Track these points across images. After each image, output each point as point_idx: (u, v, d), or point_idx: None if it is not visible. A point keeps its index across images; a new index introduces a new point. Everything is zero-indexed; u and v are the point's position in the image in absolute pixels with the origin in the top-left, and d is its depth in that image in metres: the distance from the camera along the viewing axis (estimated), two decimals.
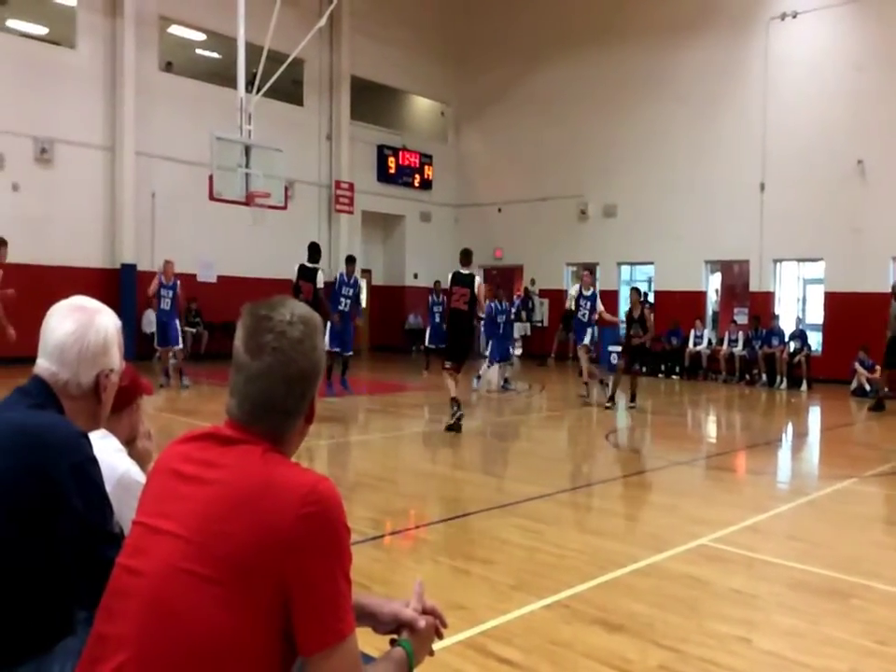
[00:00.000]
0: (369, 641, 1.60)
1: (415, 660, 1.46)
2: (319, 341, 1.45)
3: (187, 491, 1.35)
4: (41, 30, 17.01)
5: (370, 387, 13.17)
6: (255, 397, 1.39)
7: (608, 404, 11.33)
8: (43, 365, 1.78)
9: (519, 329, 20.72)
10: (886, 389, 12.45)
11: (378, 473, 7.14)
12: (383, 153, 21.12)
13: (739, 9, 17.10)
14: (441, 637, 1.58)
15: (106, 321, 1.85)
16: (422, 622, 1.51)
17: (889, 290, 12.74)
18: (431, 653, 1.54)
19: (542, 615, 3.65)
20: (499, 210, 21.63)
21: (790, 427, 11.26)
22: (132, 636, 1.29)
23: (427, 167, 22.22)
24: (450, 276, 9.33)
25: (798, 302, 17.46)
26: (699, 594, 3.99)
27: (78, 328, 1.78)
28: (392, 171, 21.30)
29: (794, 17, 16.36)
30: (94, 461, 1.69)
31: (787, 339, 15.59)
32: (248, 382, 1.39)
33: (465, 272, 9.24)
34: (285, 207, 13.28)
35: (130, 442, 2.49)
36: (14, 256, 14.14)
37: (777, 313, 16.58)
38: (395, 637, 1.51)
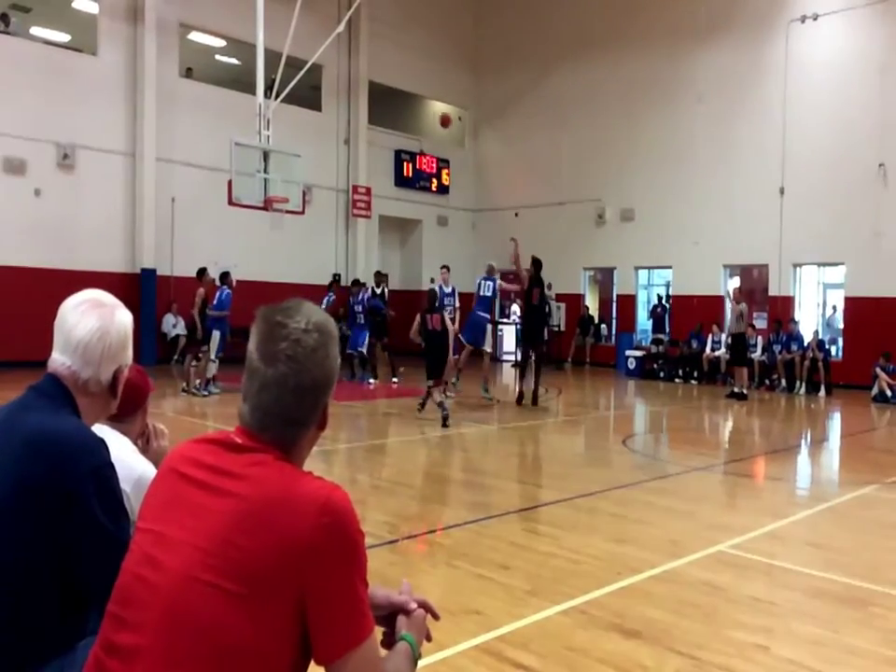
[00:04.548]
0: None
1: (417, 650, 1.49)
2: (333, 348, 1.43)
3: (201, 501, 1.34)
4: (63, 37, 17.24)
5: (386, 391, 13.20)
6: (267, 405, 1.38)
7: None
8: (62, 362, 1.75)
9: None
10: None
11: (395, 477, 7.15)
12: (400, 158, 21.18)
13: (759, 12, 17.00)
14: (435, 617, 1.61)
15: (125, 317, 1.84)
16: (413, 604, 1.54)
17: None
18: (429, 638, 1.57)
19: (558, 620, 3.64)
20: (516, 214, 21.61)
21: (809, 433, 11.15)
22: (149, 647, 1.29)
23: (444, 172, 22.25)
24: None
25: (818, 307, 17.29)
26: (717, 600, 3.96)
27: (102, 325, 1.76)
28: (409, 175, 21.36)
29: (815, 19, 16.24)
30: (112, 467, 1.70)
31: (806, 344, 15.41)
32: (261, 390, 1.38)
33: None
34: (302, 212, 13.36)
35: (139, 441, 2.53)
36: (35, 260, 14.44)
37: (796, 318, 16.44)
38: (387, 639, 1.53)
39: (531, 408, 11.50)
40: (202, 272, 12.27)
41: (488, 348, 12.57)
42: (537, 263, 12.10)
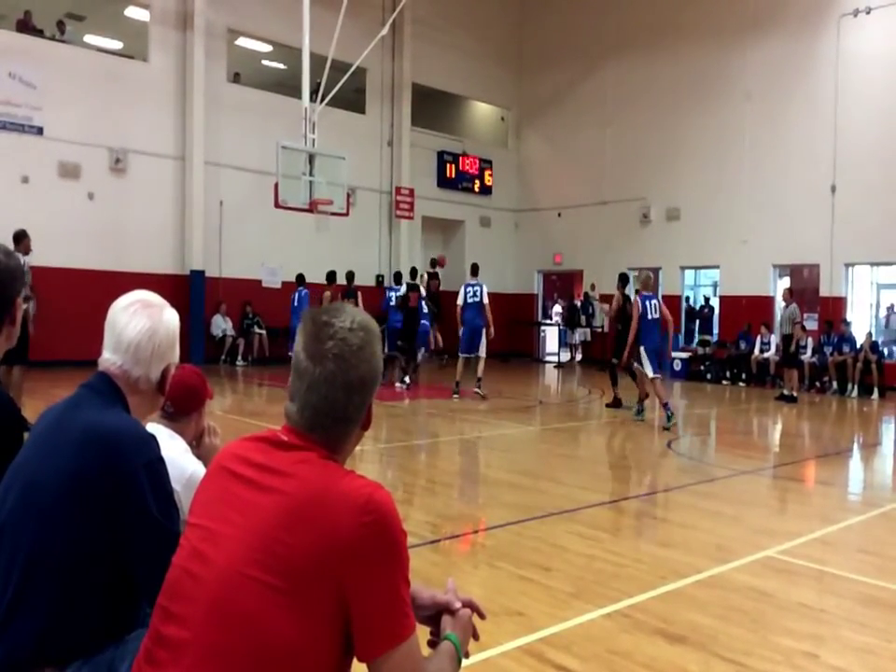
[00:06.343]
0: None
1: (462, 650, 1.49)
2: (378, 347, 1.46)
3: (248, 497, 1.37)
4: (116, 44, 17.68)
5: (427, 392, 13.25)
6: (315, 403, 1.41)
7: None
8: (113, 361, 1.81)
9: (579, 335, 20.59)
10: None
11: (437, 477, 7.18)
12: (443, 159, 21.22)
13: (809, 6, 16.64)
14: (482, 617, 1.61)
15: (173, 316, 1.90)
16: (457, 603, 1.54)
17: None
18: (476, 637, 1.57)
19: (601, 624, 3.61)
20: (559, 215, 21.50)
21: (861, 437, 10.87)
22: (194, 640, 1.32)
23: (486, 172, 22.23)
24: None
25: (871, 308, 16.85)
26: (764, 606, 3.89)
27: (152, 325, 1.82)
28: (452, 176, 21.40)
29: (868, 13, 15.84)
30: (162, 461, 1.75)
31: (859, 346, 15.02)
32: (309, 388, 1.41)
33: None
34: (347, 214, 13.48)
35: (194, 441, 2.60)
36: (88, 262, 14.82)
37: (848, 319, 16.05)
38: (433, 639, 1.53)
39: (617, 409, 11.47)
40: (331, 275, 12.67)
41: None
42: (623, 279, 12.14)
